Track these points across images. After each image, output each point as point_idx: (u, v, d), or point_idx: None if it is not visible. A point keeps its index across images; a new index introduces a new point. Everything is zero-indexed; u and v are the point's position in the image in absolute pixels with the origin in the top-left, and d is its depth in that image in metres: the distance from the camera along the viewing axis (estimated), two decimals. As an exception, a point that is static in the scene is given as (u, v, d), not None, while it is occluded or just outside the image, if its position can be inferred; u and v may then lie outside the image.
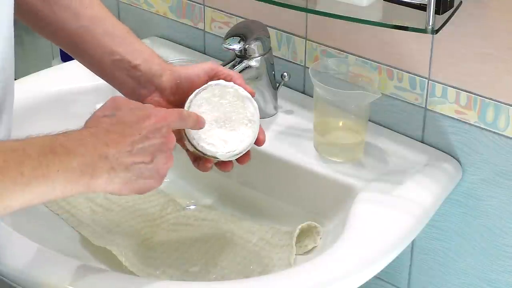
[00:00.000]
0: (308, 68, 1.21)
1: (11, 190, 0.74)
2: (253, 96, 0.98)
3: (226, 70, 0.99)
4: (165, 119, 0.88)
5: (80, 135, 0.82)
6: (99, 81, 1.04)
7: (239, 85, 0.98)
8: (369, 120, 1.21)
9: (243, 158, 0.98)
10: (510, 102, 1.11)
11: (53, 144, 0.78)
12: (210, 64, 1.00)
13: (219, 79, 0.99)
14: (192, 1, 1.43)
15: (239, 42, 1.20)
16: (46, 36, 1.04)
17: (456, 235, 1.23)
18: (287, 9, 1.17)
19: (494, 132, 1.14)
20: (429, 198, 1.12)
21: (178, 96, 1.00)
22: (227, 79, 0.98)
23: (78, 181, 0.79)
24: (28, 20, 1.02)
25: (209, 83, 0.97)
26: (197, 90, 0.97)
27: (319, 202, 1.17)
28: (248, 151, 0.98)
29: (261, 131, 0.99)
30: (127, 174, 0.84)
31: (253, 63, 1.24)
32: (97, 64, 1.02)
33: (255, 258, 1.13)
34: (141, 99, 1.00)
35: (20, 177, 0.74)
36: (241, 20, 1.35)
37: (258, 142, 0.99)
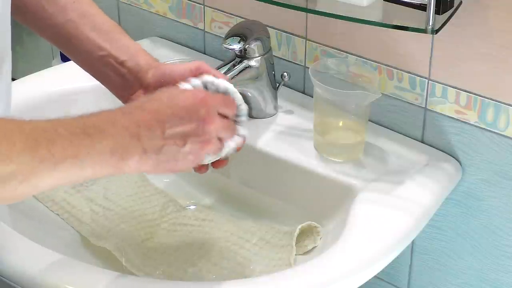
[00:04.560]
0: (308, 68, 1.21)
1: (40, 169, 0.72)
2: None
3: (212, 71, 0.96)
4: (205, 101, 0.86)
5: (112, 114, 0.80)
6: (99, 81, 1.04)
7: None
8: (369, 120, 1.21)
9: (218, 163, 0.95)
10: (510, 102, 1.11)
11: (85, 125, 0.77)
12: (197, 64, 0.97)
13: None
14: (192, 1, 1.43)
15: (239, 42, 1.20)
16: (36, 30, 1.03)
17: (456, 235, 1.24)
18: (287, 9, 1.17)
19: (494, 132, 1.14)
20: (429, 198, 1.12)
21: None
22: None
23: (108, 162, 0.78)
24: (17, 14, 1.01)
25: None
26: None
27: (319, 202, 1.17)
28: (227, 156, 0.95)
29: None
30: (159, 156, 0.82)
31: (253, 63, 1.24)
32: (84, 59, 1.01)
33: (255, 258, 1.13)
34: (127, 96, 0.99)
35: (50, 157, 0.73)
36: (241, 20, 1.35)
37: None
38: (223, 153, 0.91)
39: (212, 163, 0.95)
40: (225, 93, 0.92)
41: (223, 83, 0.93)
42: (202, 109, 0.85)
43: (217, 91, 0.92)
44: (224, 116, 0.88)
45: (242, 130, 0.93)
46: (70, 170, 0.75)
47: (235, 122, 0.92)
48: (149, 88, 0.98)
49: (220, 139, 0.89)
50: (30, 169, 0.72)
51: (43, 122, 0.75)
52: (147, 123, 0.81)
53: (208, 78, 0.93)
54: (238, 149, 0.95)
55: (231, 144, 0.91)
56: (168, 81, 0.97)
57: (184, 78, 0.96)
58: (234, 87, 0.95)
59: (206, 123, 0.85)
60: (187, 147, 0.84)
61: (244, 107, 0.93)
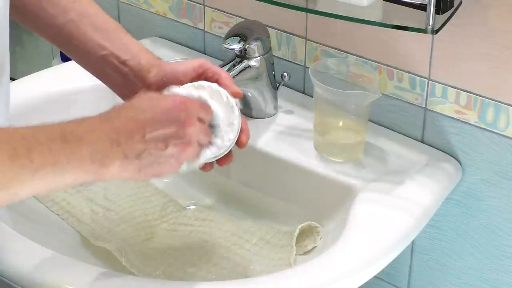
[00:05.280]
0: (308, 68, 1.21)
1: (20, 177, 0.72)
2: (239, 97, 0.96)
3: (214, 68, 0.97)
4: (184, 104, 0.86)
5: (91, 121, 0.80)
6: (99, 81, 1.04)
7: (225, 85, 0.95)
8: (369, 120, 1.21)
9: (223, 160, 0.95)
10: (510, 102, 1.11)
11: (64, 132, 0.77)
12: (199, 61, 0.97)
13: (206, 77, 0.96)
14: (192, 1, 1.43)
15: (239, 42, 1.20)
16: (35, 30, 1.03)
17: (456, 235, 1.23)
18: (287, 9, 1.17)
19: (494, 132, 1.14)
20: (429, 198, 1.12)
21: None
22: (214, 77, 0.96)
23: (88, 169, 0.78)
24: (16, 14, 1.00)
25: (189, 84, 0.94)
26: None
27: (319, 202, 1.17)
28: (230, 153, 0.95)
29: (245, 133, 0.95)
30: (140, 161, 0.82)
31: (253, 63, 1.24)
32: (86, 59, 1.01)
33: (255, 258, 1.13)
34: (129, 95, 0.98)
35: (29, 164, 0.72)
36: (241, 20, 1.35)
37: (240, 144, 0.95)
38: (201, 160, 0.91)
39: (217, 160, 0.95)
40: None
41: (213, 104, 0.92)
42: (181, 112, 0.85)
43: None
44: (201, 120, 0.89)
45: (233, 127, 0.92)
46: (50, 177, 0.75)
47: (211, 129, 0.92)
48: (152, 87, 0.98)
49: (199, 143, 0.89)
50: (9, 177, 0.72)
51: (22, 129, 0.75)
52: (127, 129, 0.81)
53: (204, 95, 0.92)
54: (242, 146, 0.95)
55: (207, 153, 0.91)
56: (170, 80, 0.97)
57: (187, 77, 0.96)
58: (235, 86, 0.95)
59: (187, 125, 0.85)
60: (168, 150, 0.84)
61: (238, 111, 0.93)
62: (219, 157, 0.94)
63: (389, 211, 1.08)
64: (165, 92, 0.92)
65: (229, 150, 0.94)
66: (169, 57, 1.41)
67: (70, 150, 0.76)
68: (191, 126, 0.86)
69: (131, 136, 0.81)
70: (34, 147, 0.73)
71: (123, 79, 0.99)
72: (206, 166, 0.96)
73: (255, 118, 1.28)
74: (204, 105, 0.90)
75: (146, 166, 0.83)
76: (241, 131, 0.94)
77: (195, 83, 0.94)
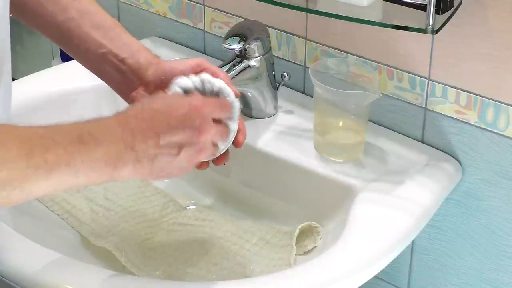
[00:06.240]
0: (308, 68, 1.21)
1: (34, 176, 0.73)
2: (236, 97, 0.96)
3: (212, 68, 0.97)
4: (200, 110, 0.86)
5: (108, 123, 0.81)
6: (99, 81, 1.04)
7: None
8: (369, 120, 1.21)
9: (219, 159, 0.95)
10: (510, 102, 1.11)
11: (81, 132, 0.77)
12: (197, 60, 0.97)
13: None
14: (192, 1, 1.43)
15: (239, 42, 1.20)
16: (35, 27, 1.03)
17: (456, 235, 1.24)
18: (287, 9, 1.17)
19: (494, 132, 1.14)
20: (429, 198, 1.12)
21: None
22: None
23: (101, 171, 0.78)
24: (17, 11, 1.01)
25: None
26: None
27: (319, 202, 1.17)
28: (227, 152, 0.95)
29: (242, 132, 0.96)
30: (153, 165, 0.82)
31: (253, 63, 1.24)
32: (85, 57, 1.01)
33: (255, 258, 1.13)
34: (128, 93, 0.99)
35: (44, 164, 0.73)
36: (241, 20, 1.35)
37: (236, 143, 0.96)
38: (216, 155, 0.92)
39: (213, 160, 0.95)
40: (219, 92, 0.93)
41: (218, 82, 0.93)
42: (197, 118, 0.85)
43: (212, 89, 0.92)
44: (218, 120, 0.89)
45: (232, 125, 0.93)
46: (63, 177, 0.75)
47: (228, 119, 0.92)
48: (150, 85, 0.98)
49: (214, 144, 0.89)
50: (24, 176, 0.72)
51: (40, 128, 0.76)
52: (142, 133, 0.82)
53: (205, 76, 0.93)
54: (238, 145, 0.95)
55: (221, 146, 0.92)
56: (168, 79, 0.97)
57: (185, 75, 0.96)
58: (233, 86, 0.95)
59: (201, 132, 0.85)
60: (181, 156, 0.84)
61: (237, 105, 0.93)
62: (216, 156, 0.94)
63: (389, 211, 1.08)
64: (171, 85, 0.92)
65: (226, 149, 0.94)
66: (169, 57, 1.41)
67: (85, 151, 0.77)
68: (205, 133, 0.86)
69: (145, 141, 0.81)
70: (51, 147, 0.74)
71: (122, 77, 0.99)
72: (202, 165, 0.96)
73: (255, 118, 1.28)
74: (222, 104, 0.90)
75: (158, 169, 0.83)
76: (238, 130, 0.95)
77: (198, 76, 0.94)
